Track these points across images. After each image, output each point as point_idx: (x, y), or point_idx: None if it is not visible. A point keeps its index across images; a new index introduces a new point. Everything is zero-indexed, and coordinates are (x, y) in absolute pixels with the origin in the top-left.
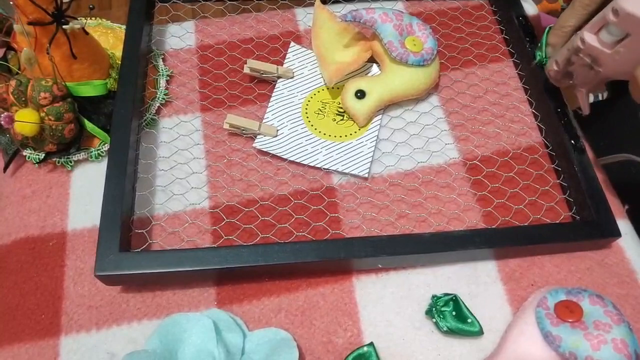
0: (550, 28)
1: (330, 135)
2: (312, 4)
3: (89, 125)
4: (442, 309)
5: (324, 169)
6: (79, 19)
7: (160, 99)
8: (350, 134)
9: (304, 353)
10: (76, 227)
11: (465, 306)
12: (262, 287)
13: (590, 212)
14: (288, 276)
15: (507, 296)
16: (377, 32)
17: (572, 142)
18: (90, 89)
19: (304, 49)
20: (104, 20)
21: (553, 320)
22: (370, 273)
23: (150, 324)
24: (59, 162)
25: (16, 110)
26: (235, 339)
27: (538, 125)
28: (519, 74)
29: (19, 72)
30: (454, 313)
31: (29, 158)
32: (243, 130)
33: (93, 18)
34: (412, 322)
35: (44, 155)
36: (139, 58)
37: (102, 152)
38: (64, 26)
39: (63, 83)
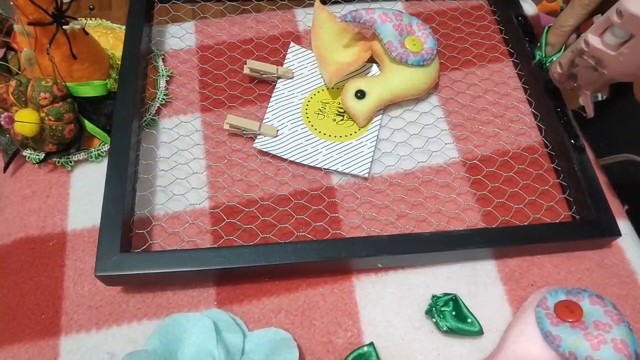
0: (549, 28)
1: (330, 136)
2: (311, 5)
3: (89, 126)
4: (442, 308)
5: (324, 169)
6: (79, 19)
7: (160, 99)
8: (350, 134)
9: (304, 353)
10: (76, 227)
11: (465, 306)
12: (262, 287)
13: (590, 211)
14: (288, 276)
15: (507, 296)
16: (377, 32)
17: (572, 141)
18: (90, 89)
19: (303, 50)
20: (104, 20)
21: (553, 320)
22: (370, 273)
23: (150, 324)
24: (59, 163)
25: (16, 111)
26: (235, 339)
27: (538, 125)
28: (518, 73)
29: (19, 72)
30: (453, 313)
31: (29, 158)
32: (243, 130)
33: (93, 18)
34: (412, 322)
35: (44, 155)
36: (139, 58)
37: (102, 152)
38: (64, 27)
39: (63, 83)
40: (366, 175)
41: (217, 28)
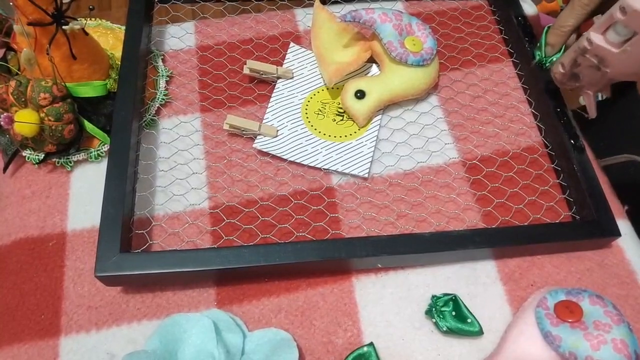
0: (549, 28)
1: (330, 136)
2: (311, 5)
3: (88, 126)
4: (442, 309)
5: (324, 169)
6: (78, 19)
7: (160, 99)
8: (350, 134)
9: (304, 353)
10: (76, 228)
11: (465, 306)
12: (262, 287)
13: (590, 211)
14: (288, 276)
15: (506, 296)
16: (377, 32)
17: (572, 141)
18: (90, 89)
19: (303, 50)
20: (104, 21)
21: (553, 321)
22: (369, 273)
23: (150, 324)
24: (58, 163)
25: (16, 111)
26: (235, 339)
27: (537, 125)
28: (518, 73)
29: (19, 72)
30: (453, 313)
31: (28, 158)
32: (243, 130)
33: (93, 19)
34: (412, 322)
35: (43, 155)
36: (139, 59)
37: (101, 152)
38: (63, 27)
39: (63, 84)
40: (366, 175)
41: (216, 28)
